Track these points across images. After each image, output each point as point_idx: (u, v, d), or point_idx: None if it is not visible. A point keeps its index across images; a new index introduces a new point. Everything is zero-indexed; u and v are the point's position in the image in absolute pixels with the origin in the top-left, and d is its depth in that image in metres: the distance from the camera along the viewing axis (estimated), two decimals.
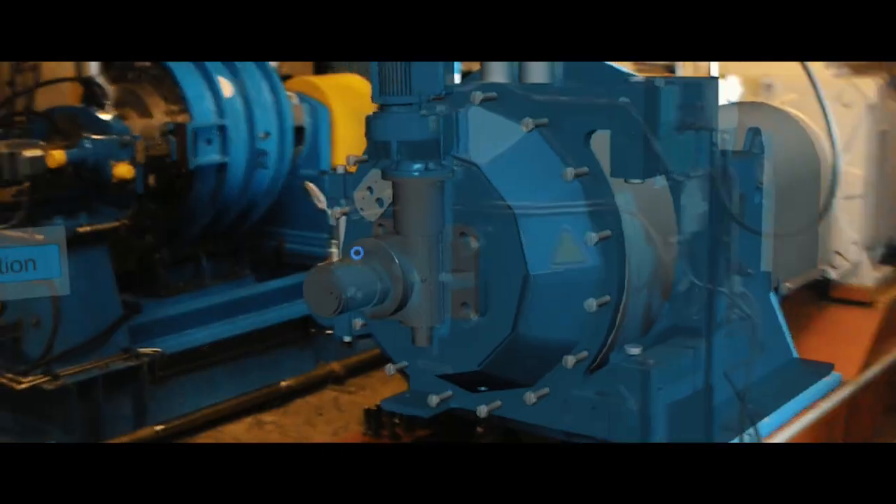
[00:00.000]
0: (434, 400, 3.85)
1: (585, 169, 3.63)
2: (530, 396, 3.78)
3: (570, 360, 3.67)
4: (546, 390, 3.83)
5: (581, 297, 3.62)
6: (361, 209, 3.85)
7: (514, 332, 3.66)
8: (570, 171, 3.58)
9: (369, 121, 3.65)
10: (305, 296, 3.59)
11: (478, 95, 3.67)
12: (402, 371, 4.06)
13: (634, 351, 3.76)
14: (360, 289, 3.52)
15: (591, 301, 3.59)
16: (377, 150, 3.66)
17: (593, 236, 3.59)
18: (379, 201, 3.80)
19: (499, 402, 3.89)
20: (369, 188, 3.82)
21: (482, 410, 3.81)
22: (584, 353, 3.72)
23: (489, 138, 3.68)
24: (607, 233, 3.62)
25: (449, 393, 3.92)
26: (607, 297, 3.64)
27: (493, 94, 3.73)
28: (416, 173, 3.62)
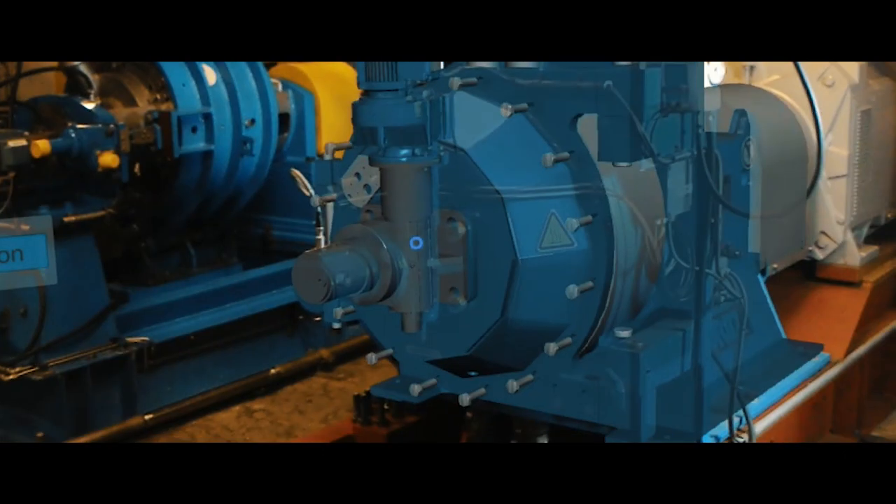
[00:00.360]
0: (416, 390, 3.86)
1: (566, 154, 3.63)
2: (512, 384, 3.78)
3: (552, 348, 3.68)
4: (530, 377, 3.84)
5: (569, 280, 3.62)
6: (349, 195, 3.85)
7: (504, 316, 3.67)
8: (549, 157, 3.57)
9: (356, 107, 3.65)
10: (294, 283, 3.59)
11: (455, 81, 3.65)
12: (391, 357, 4.07)
13: (624, 334, 3.77)
14: (348, 275, 3.51)
15: (573, 287, 3.59)
16: (364, 136, 3.66)
17: (574, 222, 3.59)
18: (367, 187, 3.79)
19: (482, 390, 3.90)
20: (357, 174, 3.82)
21: (464, 399, 3.82)
22: (568, 340, 3.73)
23: (475, 123, 3.67)
24: (588, 218, 3.62)
25: (433, 381, 3.93)
26: (590, 283, 3.64)
27: (472, 79, 3.72)
28: (404, 159, 3.62)
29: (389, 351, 3.98)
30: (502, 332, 3.71)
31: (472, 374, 3.93)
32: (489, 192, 3.61)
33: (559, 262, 3.63)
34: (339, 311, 3.98)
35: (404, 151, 3.61)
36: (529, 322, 3.70)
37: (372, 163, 3.68)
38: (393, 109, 3.57)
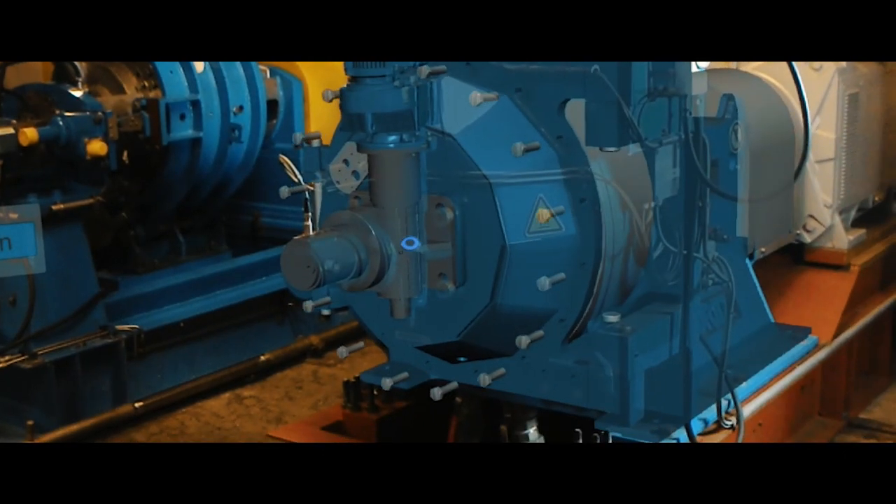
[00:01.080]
0: (387, 383, 3.86)
1: (536, 144, 3.62)
2: (484, 378, 3.80)
3: (524, 341, 3.69)
4: (502, 371, 3.86)
5: (558, 265, 3.63)
6: (337, 182, 3.85)
7: (493, 302, 3.68)
8: (518, 147, 3.57)
9: (343, 93, 3.64)
10: (283, 270, 3.59)
11: (424, 70, 3.62)
12: (380, 343, 4.08)
13: (612, 318, 3.77)
14: (337, 262, 3.52)
15: (544, 280, 3.59)
16: (352, 122, 3.66)
17: (545, 213, 3.60)
18: (355, 174, 3.80)
19: (455, 384, 3.92)
20: (345, 161, 3.82)
21: (436, 393, 3.82)
22: (540, 333, 3.75)
23: (463, 109, 3.67)
24: (560, 208, 3.63)
25: (405, 375, 3.94)
26: (561, 275, 3.65)
27: (442, 67, 3.69)
28: (392, 145, 3.61)
29: (360, 345, 4.01)
30: (491, 317, 3.72)
31: (462, 359, 3.93)
32: (477, 177, 3.62)
33: (547, 247, 3.64)
34: (309, 304, 3.98)
35: (392, 138, 3.61)
36: (518, 307, 3.71)
37: (360, 149, 3.68)
38: (381, 95, 3.57)
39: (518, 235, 3.62)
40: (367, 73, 3.57)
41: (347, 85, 3.64)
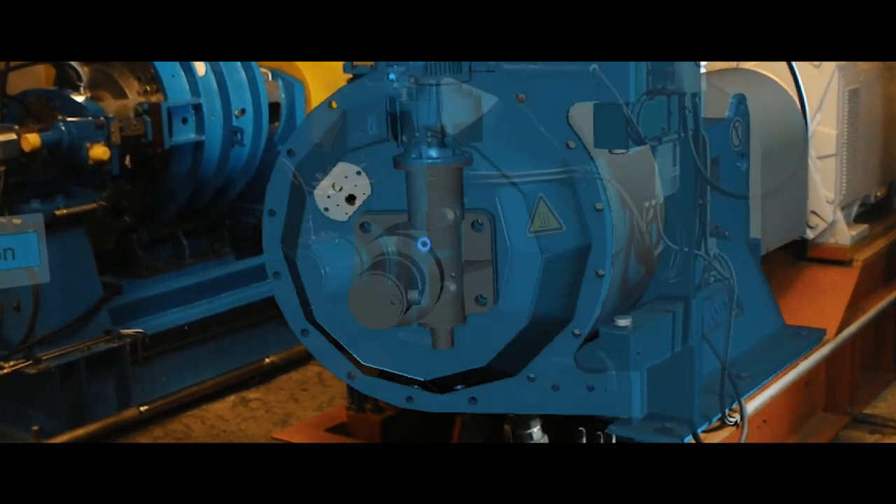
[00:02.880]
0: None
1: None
2: None
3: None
4: None
5: (573, 275, 3.59)
6: (326, 209, 3.65)
7: (532, 319, 3.56)
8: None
9: (402, 104, 3.46)
10: (353, 310, 3.36)
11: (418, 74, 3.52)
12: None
13: (624, 322, 3.71)
14: (420, 291, 3.33)
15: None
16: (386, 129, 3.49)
17: (557, 222, 3.57)
18: (350, 198, 3.61)
19: None
20: (334, 185, 3.62)
21: None
22: None
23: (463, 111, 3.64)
24: (574, 217, 3.59)
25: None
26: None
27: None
28: (441, 160, 3.40)
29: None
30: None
31: (459, 387, 3.78)
32: (501, 183, 3.54)
33: (563, 256, 3.57)
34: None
35: (439, 152, 3.42)
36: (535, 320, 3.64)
37: (397, 165, 3.47)
38: (456, 104, 3.41)
39: (527, 243, 3.58)
40: (442, 81, 3.38)
41: (410, 92, 3.44)
